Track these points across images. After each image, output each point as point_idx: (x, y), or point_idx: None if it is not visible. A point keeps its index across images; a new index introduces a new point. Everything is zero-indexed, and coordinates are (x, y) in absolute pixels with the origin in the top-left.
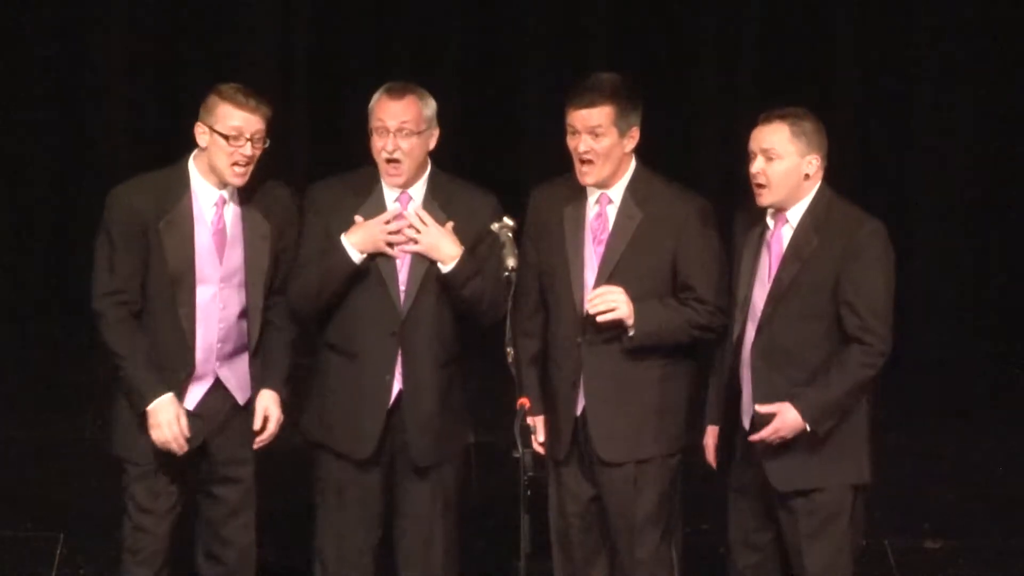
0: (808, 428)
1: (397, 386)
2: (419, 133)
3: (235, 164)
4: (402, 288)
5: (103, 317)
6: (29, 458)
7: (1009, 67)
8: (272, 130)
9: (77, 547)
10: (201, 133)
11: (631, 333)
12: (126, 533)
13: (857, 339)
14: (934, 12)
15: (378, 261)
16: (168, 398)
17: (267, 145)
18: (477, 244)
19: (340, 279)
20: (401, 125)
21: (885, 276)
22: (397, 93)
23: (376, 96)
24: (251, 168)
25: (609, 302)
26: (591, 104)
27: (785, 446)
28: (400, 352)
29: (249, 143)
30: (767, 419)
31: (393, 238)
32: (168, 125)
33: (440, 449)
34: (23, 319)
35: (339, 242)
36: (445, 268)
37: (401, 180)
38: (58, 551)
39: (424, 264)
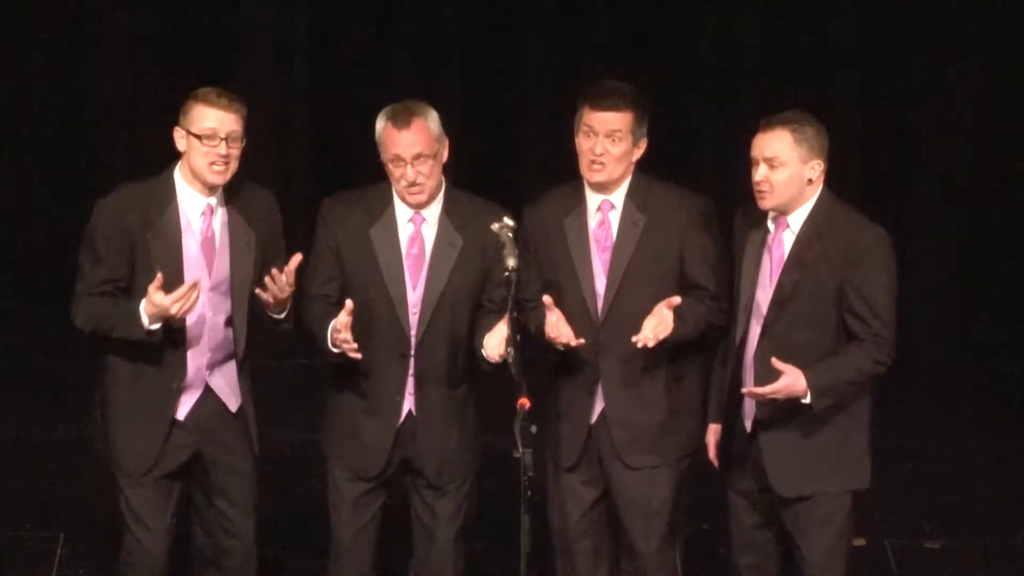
0: (808, 399)
1: (407, 406)
2: (434, 156)
3: (212, 164)
4: (413, 312)
5: (79, 303)
6: (29, 458)
7: (1010, 67)
8: (249, 130)
9: (77, 547)
10: (180, 137)
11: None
12: (124, 546)
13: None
14: (934, 12)
15: (388, 286)
16: (144, 301)
17: (244, 144)
18: (494, 266)
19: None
20: (416, 153)
21: (889, 284)
22: (403, 121)
23: (381, 124)
24: (232, 167)
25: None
26: (614, 108)
27: (789, 451)
28: (411, 374)
29: (224, 142)
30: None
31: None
32: (167, 133)
33: (450, 470)
34: (22, 319)
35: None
36: (492, 358)
37: (424, 198)
38: (58, 551)
39: (437, 288)
